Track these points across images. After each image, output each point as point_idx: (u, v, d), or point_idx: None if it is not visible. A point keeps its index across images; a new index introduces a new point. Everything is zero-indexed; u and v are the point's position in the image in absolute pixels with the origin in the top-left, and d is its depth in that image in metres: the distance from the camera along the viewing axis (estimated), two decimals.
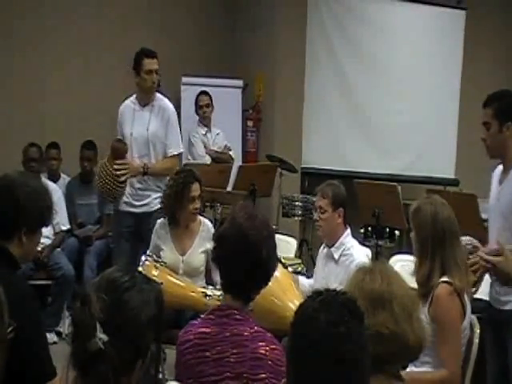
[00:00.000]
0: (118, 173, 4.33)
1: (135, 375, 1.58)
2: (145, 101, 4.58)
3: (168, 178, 4.20)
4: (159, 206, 4.47)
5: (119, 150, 4.34)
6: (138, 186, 4.57)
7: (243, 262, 2.10)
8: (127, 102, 4.71)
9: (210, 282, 3.98)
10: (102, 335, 1.50)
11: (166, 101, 4.69)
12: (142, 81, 4.54)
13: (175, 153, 4.63)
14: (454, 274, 2.73)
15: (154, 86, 4.58)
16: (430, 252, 2.75)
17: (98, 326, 1.50)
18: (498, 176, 3.25)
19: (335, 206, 3.65)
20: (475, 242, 3.00)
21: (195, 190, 3.92)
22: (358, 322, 1.49)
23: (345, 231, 3.71)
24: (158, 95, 4.66)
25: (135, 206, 4.60)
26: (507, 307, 3.10)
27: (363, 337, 1.49)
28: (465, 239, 2.95)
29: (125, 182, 4.41)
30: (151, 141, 4.57)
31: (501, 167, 3.23)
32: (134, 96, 4.68)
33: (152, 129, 4.56)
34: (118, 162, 4.34)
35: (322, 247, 3.85)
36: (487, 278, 3.06)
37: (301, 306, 1.54)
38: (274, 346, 2.08)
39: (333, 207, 3.65)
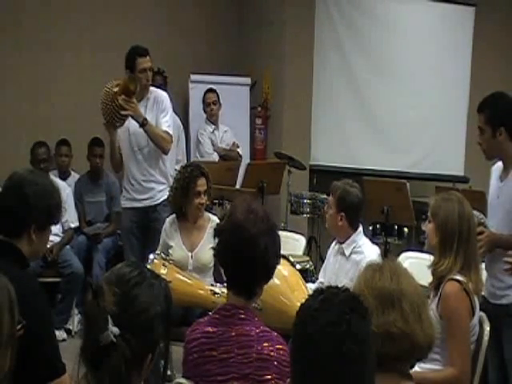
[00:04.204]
0: (122, 107, 4.30)
1: (145, 370, 1.59)
2: (140, 96, 4.58)
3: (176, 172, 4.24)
4: (164, 198, 4.49)
5: (128, 88, 4.33)
6: (141, 178, 4.58)
7: (240, 257, 2.09)
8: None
9: (218, 279, 3.99)
10: (113, 328, 1.51)
11: (159, 91, 4.74)
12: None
13: (167, 130, 4.59)
14: (472, 272, 2.74)
15: (149, 84, 4.60)
16: (455, 248, 2.75)
17: (109, 319, 1.51)
18: (497, 172, 3.27)
19: (338, 208, 3.63)
20: (482, 219, 3.06)
21: (201, 184, 3.93)
22: (361, 320, 1.47)
23: (355, 230, 3.68)
24: (151, 88, 4.68)
25: (138, 200, 4.60)
26: (504, 301, 3.12)
27: (366, 334, 1.47)
28: (477, 214, 3.00)
29: (125, 116, 4.39)
30: None
31: (500, 163, 3.25)
32: None
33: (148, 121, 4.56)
34: (123, 97, 4.31)
35: (334, 242, 3.85)
36: (484, 273, 3.10)
37: (302, 306, 1.53)
38: (279, 346, 2.07)
39: (336, 208, 3.64)
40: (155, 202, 4.56)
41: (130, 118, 4.51)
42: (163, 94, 4.71)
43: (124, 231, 4.78)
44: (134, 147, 4.58)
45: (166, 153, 4.61)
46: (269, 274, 2.15)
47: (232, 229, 2.14)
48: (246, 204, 2.18)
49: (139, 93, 4.52)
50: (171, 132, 4.66)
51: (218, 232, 2.20)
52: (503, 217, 3.16)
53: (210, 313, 2.23)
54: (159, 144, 4.52)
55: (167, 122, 4.61)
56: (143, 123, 4.45)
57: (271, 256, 2.13)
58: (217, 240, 2.19)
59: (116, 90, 4.32)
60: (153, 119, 4.54)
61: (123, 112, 4.34)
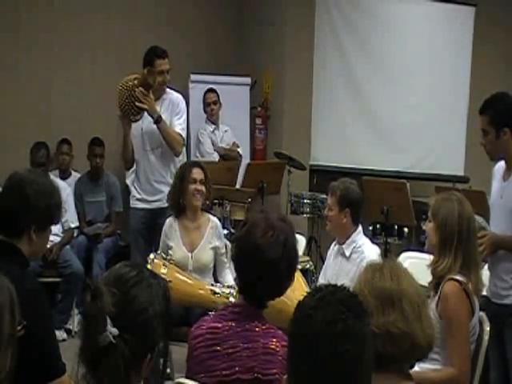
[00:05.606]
0: (139, 99, 4.30)
1: (144, 370, 1.59)
2: (156, 96, 4.57)
3: None
4: None
5: (147, 81, 4.32)
6: (152, 178, 4.58)
7: (253, 279, 2.09)
8: None
9: (217, 279, 4.00)
10: (112, 329, 1.51)
11: (176, 93, 4.72)
12: None
13: (180, 132, 4.60)
14: (472, 272, 2.74)
15: (165, 85, 4.60)
16: (454, 248, 2.75)
17: (108, 319, 1.51)
18: (500, 172, 3.26)
19: (341, 207, 3.64)
20: (483, 223, 3.07)
21: (197, 172, 3.98)
22: (357, 319, 1.44)
23: (355, 229, 3.70)
24: (168, 90, 4.68)
25: (148, 202, 4.61)
26: (506, 301, 3.12)
27: (363, 334, 1.44)
28: (477, 218, 3.01)
29: (141, 111, 4.38)
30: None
31: (502, 163, 3.24)
32: None
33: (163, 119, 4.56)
34: (140, 89, 4.30)
35: (333, 244, 3.85)
36: (486, 273, 3.10)
37: (299, 303, 1.51)
38: (284, 343, 2.07)
39: (339, 207, 3.65)
40: (164, 205, 4.55)
41: (143, 117, 4.50)
42: (179, 97, 4.69)
43: (132, 231, 4.76)
44: (147, 147, 4.57)
45: (177, 154, 4.59)
46: (281, 293, 2.17)
47: (249, 252, 2.10)
48: (265, 223, 2.13)
49: (155, 93, 4.52)
50: (184, 135, 4.66)
51: (237, 243, 2.18)
52: (506, 217, 3.15)
53: (211, 312, 2.23)
54: (171, 144, 4.50)
55: (181, 124, 4.60)
56: (158, 120, 4.43)
57: (286, 279, 2.15)
58: (235, 250, 2.17)
59: (135, 82, 4.32)
60: (167, 120, 4.51)
61: (139, 104, 4.32)
